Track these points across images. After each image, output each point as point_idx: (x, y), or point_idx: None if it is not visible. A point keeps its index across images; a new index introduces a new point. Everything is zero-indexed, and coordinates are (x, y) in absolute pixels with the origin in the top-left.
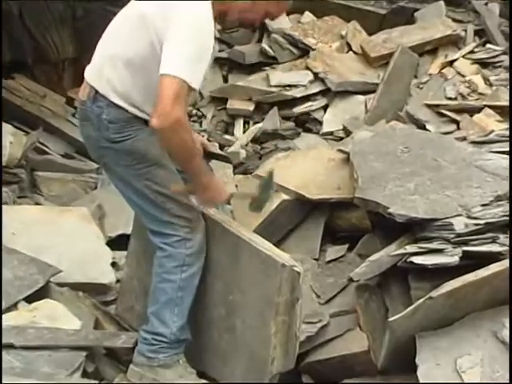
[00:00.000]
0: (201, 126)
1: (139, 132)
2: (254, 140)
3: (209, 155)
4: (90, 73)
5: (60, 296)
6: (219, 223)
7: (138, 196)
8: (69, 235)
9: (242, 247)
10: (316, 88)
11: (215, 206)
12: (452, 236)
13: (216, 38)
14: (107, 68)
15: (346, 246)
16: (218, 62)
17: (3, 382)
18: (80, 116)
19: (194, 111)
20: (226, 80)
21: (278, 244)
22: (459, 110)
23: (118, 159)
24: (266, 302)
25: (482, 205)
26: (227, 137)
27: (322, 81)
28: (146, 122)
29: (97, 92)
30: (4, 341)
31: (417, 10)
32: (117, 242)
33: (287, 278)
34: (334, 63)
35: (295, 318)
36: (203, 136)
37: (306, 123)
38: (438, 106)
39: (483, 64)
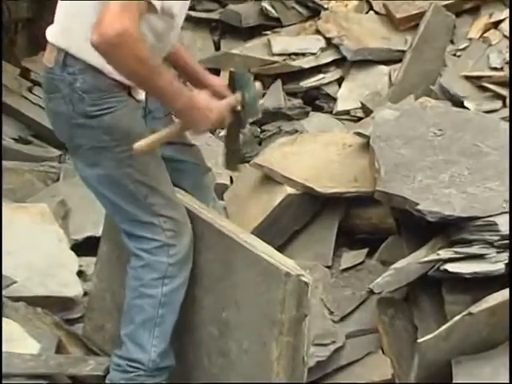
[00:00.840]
0: None
1: (121, 104)
2: (254, 121)
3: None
4: (54, 33)
5: (14, 313)
6: (209, 224)
7: (113, 188)
8: (25, 238)
9: (237, 253)
10: (329, 57)
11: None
12: (496, 238)
13: None
14: (77, 23)
15: (366, 250)
16: (207, 24)
17: None
18: (46, 87)
19: None
20: (217, 47)
21: (281, 248)
22: (506, 84)
23: (94, 139)
24: (266, 319)
25: None
26: None
27: (337, 48)
28: (130, 92)
29: (67, 54)
30: None
31: None
32: (84, 247)
33: (292, 290)
34: (350, 26)
35: (302, 338)
36: None
37: (317, 100)
38: (479, 78)
39: None
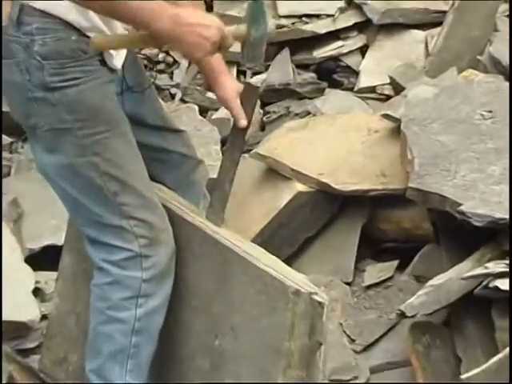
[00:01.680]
0: (172, 78)
1: (90, 76)
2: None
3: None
4: None
5: None
6: (199, 229)
7: (76, 180)
8: None
9: (234, 266)
10: (349, 20)
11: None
12: None
13: None
14: None
15: (395, 263)
16: None
17: None
18: None
19: (161, 55)
20: (210, 8)
21: (290, 260)
22: None
23: (54, 119)
24: (270, 349)
25: None
26: (211, 95)
27: (359, 8)
28: (103, 60)
29: (23, 7)
30: None
31: None
32: (41, 258)
33: (303, 313)
34: None
35: (316, 373)
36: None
37: (334, 74)
38: None
39: None
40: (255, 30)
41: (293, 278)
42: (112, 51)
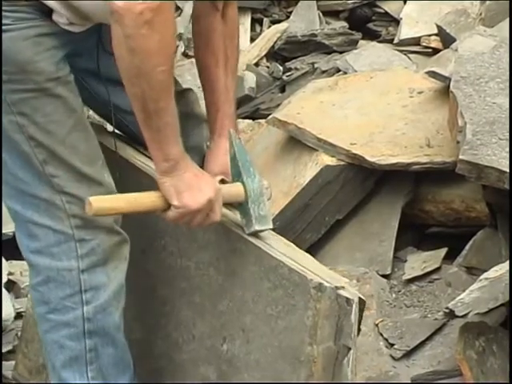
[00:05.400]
0: None
1: (26, 23)
2: (273, 54)
3: None
4: None
5: None
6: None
7: (4, 141)
8: None
9: (245, 255)
10: None
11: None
12: None
13: None
14: None
15: (443, 251)
16: None
17: None
18: None
19: None
20: None
21: (316, 247)
22: None
23: None
24: (288, 354)
25: None
26: None
27: None
28: (50, 16)
29: None
30: None
31: None
32: (15, 244)
33: (328, 311)
34: None
35: (343, 382)
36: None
37: (369, 23)
38: None
39: None
40: (252, 182)
41: (314, 269)
42: (63, 20)
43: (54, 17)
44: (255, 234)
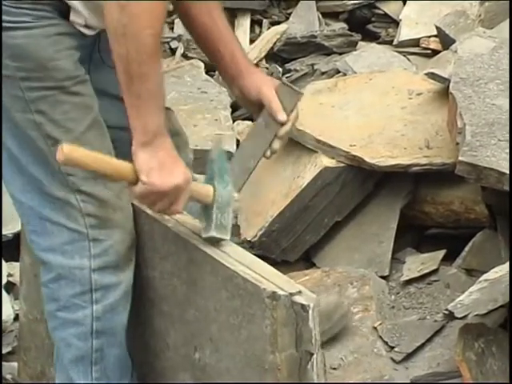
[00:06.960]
0: (172, 29)
1: (45, 22)
2: (272, 56)
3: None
4: None
5: None
6: (160, 222)
7: (17, 139)
8: None
9: (203, 265)
10: None
11: (162, 212)
12: None
13: None
14: None
15: (442, 253)
16: None
17: None
18: None
19: None
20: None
21: (315, 249)
22: None
23: None
24: (254, 362)
25: None
26: None
27: None
28: (59, 9)
29: None
30: None
31: None
32: (15, 246)
33: (285, 319)
34: None
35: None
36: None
37: (369, 24)
38: None
39: None
40: (223, 189)
41: (271, 277)
42: (81, 20)
43: (72, 17)
44: (212, 244)
